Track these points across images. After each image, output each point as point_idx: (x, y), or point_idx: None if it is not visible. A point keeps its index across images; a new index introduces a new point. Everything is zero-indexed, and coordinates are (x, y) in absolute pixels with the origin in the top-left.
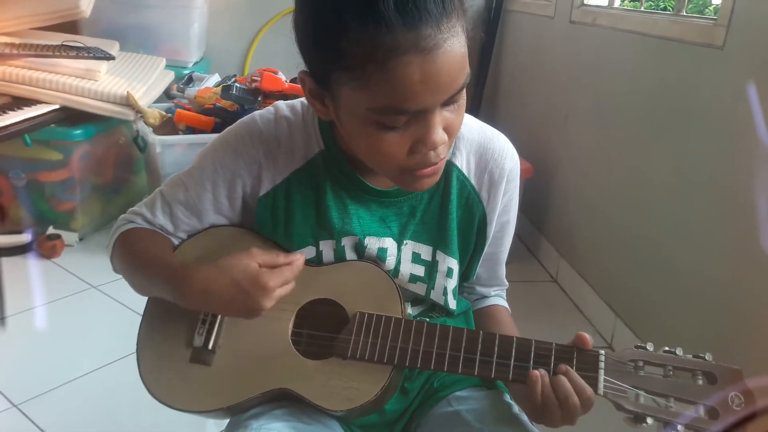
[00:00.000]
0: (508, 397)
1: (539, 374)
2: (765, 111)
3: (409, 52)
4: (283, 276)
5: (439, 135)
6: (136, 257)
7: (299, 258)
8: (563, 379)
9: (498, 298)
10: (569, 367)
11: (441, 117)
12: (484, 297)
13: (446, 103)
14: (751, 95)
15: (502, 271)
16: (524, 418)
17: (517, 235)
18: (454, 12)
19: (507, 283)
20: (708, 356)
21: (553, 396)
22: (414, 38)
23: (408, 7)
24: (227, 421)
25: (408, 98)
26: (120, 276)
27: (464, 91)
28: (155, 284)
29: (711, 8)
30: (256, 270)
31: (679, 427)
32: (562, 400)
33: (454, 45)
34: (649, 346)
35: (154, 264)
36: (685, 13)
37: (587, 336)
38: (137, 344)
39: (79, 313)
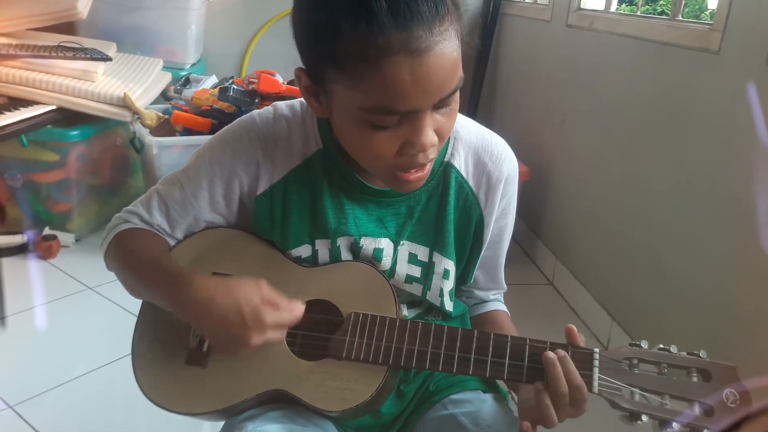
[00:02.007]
0: (503, 400)
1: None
2: (760, 114)
3: (400, 52)
4: (280, 318)
5: (429, 137)
6: (132, 259)
7: (299, 309)
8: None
9: (497, 302)
10: (566, 353)
11: (432, 119)
12: (484, 302)
13: (438, 106)
14: (751, 97)
15: (501, 274)
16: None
17: (514, 238)
18: (447, 15)
19: (506, 287)
20: (702, 353)
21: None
22: (405, 39)
23: (400, 7)
24: (222, 423)
25: (398, 99)
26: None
27: (457, 94)
28: (151, 288)
29: (707, 13)
30: (258, 304)
31: (675, 424)
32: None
33: (445, 48)
34: (644, 344)
35: (152, 267)
36: (681, 18)
37: (573, 328)
38: (132, 346)
39: (75, 314)
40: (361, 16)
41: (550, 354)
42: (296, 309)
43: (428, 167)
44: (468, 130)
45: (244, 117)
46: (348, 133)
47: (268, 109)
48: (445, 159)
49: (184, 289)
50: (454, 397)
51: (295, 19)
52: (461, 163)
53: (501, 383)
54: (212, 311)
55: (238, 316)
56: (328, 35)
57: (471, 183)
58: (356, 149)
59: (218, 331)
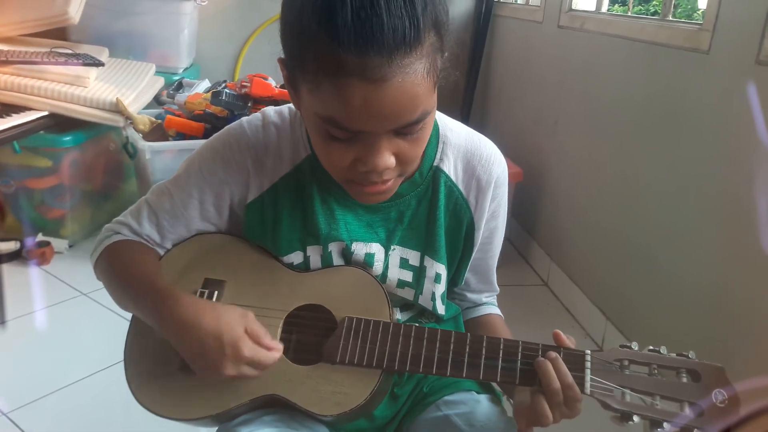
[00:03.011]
0: (498, 401)
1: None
2: (750, 114)
3: (354, 75)
4: (258, 356)
5: (382, 159)
6: (121, 273)
7: (278, 351)
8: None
9: (490, 306)
10: (558, 355)
11: (390, 143)
12: (477, 305)
13: (400, 132)
14: (749, 96)
15: (493, 276)
16: (513, 421)
17: (508, 239)
18: (417, 47)
19: (498, 289)
20: (691, 354)
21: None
22: (361, 64)
23: (364, 30)
24: (216, 428)
25: (349, 118)
26: None
27: (425, 123)
28: (138, 303)
29: (699, 12)
30: (240, 334)
31: (666, 424)
32: (544, 386)
33: (405, 82)
34: (634, 346)
35: (140, 282)
36: (671, 18)
37: (559, 333)
38: (125, 352)
39: (69, 320)
40: (325, 27)
41: (541, 359)
42: (275, 350)
43: (389, 184)
44: (457, 134)
45: (233, 125)
46: (312, 135)
47: (257, 116)
48: (435, 164)
49: (172, 305)
50: (447, 398)
51: (281, 10)
52: (450, 167)
53: (495, 385)
54: (194, 332)
55: (218, 342)
56: (296, 37)
57: (461, 187)
58: (317, 151)
59: (195, 353)
